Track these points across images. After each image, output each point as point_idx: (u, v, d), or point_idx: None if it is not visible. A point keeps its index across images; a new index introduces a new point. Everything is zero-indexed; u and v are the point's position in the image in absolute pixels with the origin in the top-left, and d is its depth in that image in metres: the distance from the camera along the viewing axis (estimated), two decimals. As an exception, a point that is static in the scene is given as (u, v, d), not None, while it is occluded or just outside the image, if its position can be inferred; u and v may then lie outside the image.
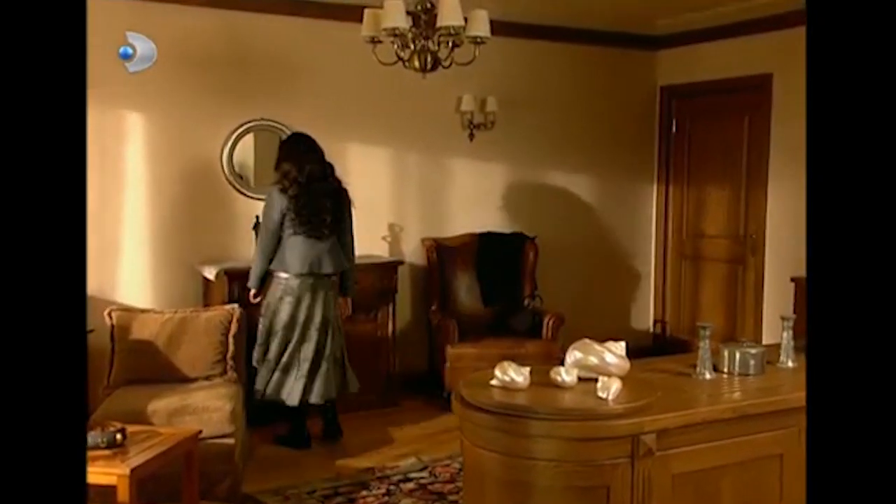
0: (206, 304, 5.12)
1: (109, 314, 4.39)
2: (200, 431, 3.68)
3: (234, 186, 5.43)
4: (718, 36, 6.28)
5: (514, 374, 2.63)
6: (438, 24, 4.09)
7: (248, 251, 5.29)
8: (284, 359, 4.58)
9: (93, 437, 3.23)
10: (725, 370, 2.97)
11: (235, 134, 5.40)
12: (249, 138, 5.48)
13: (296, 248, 4.55)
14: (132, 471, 3.12)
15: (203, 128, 5.37)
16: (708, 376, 2.92)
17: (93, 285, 4.79)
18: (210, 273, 5.05)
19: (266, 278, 4.67)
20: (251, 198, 5.44)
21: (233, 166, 5.42)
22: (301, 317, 4.57)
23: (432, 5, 4.17)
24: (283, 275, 4.58)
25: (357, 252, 4.91)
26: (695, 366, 2.95)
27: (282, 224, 4.55)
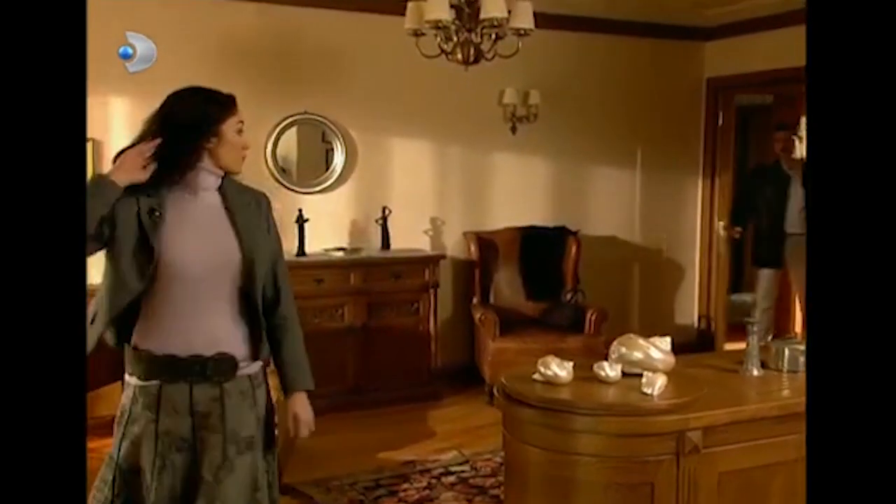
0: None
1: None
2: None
3: (278, 180, 5.46)
4: (768, 26, 6.15)
5: (557, 369, 2.61)
6: (482, 16, 4.08)
7: (291, 246, 5.32)
8: None
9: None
10: (774, 367, 2.91)
11: (279, 127, 5.43)
12: (293, 132, 5.52)
13: None
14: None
15: (246, 121, 5.37)
16: (756, 373, 2.86)
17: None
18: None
19: None
20: (294, 191, 5.48)
21: (276, 159, 5.45)
22: None
23: (475, -3, 4.16)
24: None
25: (400, 245, 4.76)
26: (742, 362, 2.89)
27: None
